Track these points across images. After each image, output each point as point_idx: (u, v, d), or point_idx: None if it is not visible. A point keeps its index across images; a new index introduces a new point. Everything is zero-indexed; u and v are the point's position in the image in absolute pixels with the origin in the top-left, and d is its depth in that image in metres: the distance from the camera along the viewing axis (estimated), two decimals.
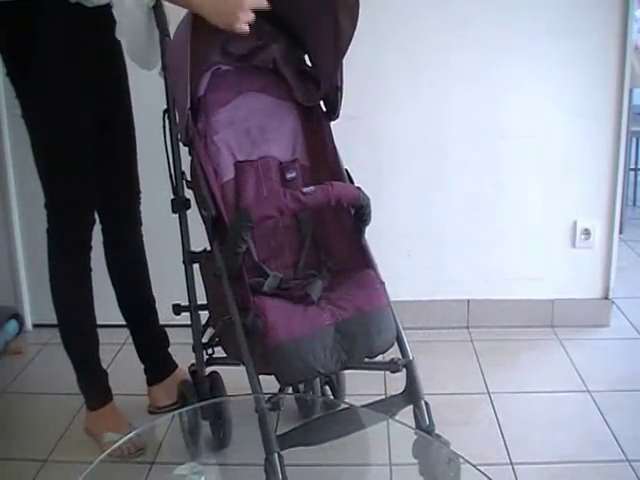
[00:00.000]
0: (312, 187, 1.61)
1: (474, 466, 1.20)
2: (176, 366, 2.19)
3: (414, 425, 1.64)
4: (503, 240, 2.63)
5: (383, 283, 1.72)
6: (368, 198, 1.68)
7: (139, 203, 2.08)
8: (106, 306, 2.06)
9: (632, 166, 3.97)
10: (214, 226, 1.70)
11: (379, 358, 1.71)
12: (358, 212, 1.71)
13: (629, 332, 2.62)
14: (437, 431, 1.66)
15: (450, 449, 1.54)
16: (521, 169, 2.58)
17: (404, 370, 1.70)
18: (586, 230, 2.60)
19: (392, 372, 1.71)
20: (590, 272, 2.65)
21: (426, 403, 1.67)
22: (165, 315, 2.10)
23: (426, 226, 2.62)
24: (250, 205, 1.70)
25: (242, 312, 1.62)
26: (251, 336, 1.60)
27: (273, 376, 1.59)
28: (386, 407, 1.68)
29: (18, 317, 2.70)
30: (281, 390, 1.75)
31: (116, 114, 1.96)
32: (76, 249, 1.93)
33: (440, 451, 1.56)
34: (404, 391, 1.69)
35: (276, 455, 1.52)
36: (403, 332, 1.72)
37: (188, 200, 1.88)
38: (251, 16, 1.56)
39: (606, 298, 2.66)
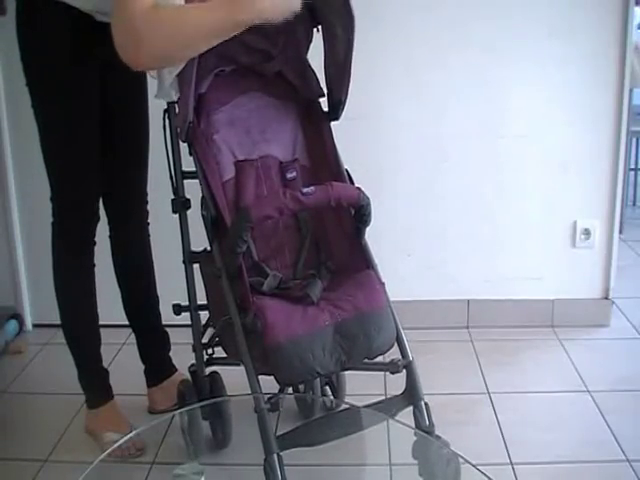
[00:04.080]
0: (312, 187, 1.61)
1: (474, 466, 1.20)
2: (175, 370, 2.19)
3: (414, 426, 1.64)
4: (503, 240, 2.63)
5: (383, 284, 1.72)
6: (368, 198, 1.68)
7: (146, 202, 2.08)
8: (107, 306, 2.06)
9: (632, 166, 3.98)
10: (214, 226, 1.70)
11: (379, 359, 1.70)
12: (358, 212, 1.71)
13: (629, 332, 2.62)
14: (437, 431, 1.66)
15: (450, 450, 1.53)
16: (521, 169, 2.58)
17: (404, 371, 1.70)
18: (586, 230, 2.60)
19: (392, 373, 1.71)
20: (590, 272, 2.65)
21: (426, 404, 1.67)
22: (165, 315, 2.11)
23: (426, 226, 2.62)
24: (250, 205, 1.70)
25: (241, 312, 1.62)
26: (250, 336, 1.60)
27: (272, 376, 1.59)
28: (386, 408, 1.68)
29: (18, 317, 2.71)
30: (281, 390, 1.75)
31: (125, 116, 1.95)
32: (79, 243, 1.94)
33: (440, 452, 1.55)
34: (404, 392, 1.69)
35: (275, 456, 1.51)
36: (403, 333, 1.72)
37: (188, 200, 1.88)
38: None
39: (606, 298, 2.66)
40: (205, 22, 1.44)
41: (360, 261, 1.77)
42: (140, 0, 1.38)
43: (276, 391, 1.70)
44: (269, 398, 1.57)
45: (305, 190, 1.59)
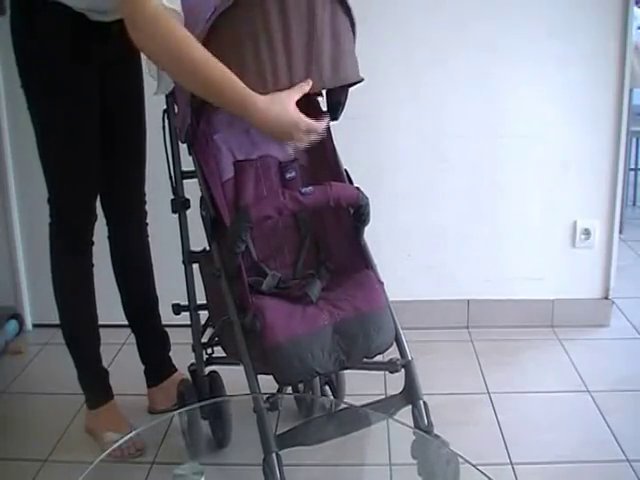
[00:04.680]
0: (311, 187, 1.61)
1: (474, 466, 1.20)
2: (175, 370, 2.19)
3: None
4: (503, 240, 2.63)
5: (382, 283, 1.72)
6: (367, 198, 1.68)
7: (144, 203, 2.08)
8: (107, 306, 2.06)
9: (632, 166, 3.98)
10: (213, 226, 1.71)
11: (379, 358, 1.70)
12: (357, 212, 1.71)
13: (629, 332, 2.62)
14: (437, 431, 1.66)
15: (449, 449, 1.53)
16: (521, 169, 2.58)
17: (403, 370, 1.70)
18: (586, 230, 2.60)
19: (391, 372, 1.71)
20: (590, 272, 2.65)
21: (425, 403, 1.67)
22: (165, 315, 2.11)
23: (426, 226, 2.62)
24: (249, 205, 1.71)
25: (241, 312, 1.62)
26: (249, 336, 1.60)
27: (271, 376, 1.59)
28: (385, 407, 1.68)
29: (18, 317, 2.71)
30: (280, 390, 1.75)
31: (124, 116, 1.95)
32: (77, 244, 1.94)
33: (439, 451, 1.55)
34: (403, 391, 1.69)
35: (274, 455, 1.51)
36: (402, 332, 1.72)
37: (188, 200, 1.88)
38: (306, 140, 1.56)
39: (606, 298, 2.66)
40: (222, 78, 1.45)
41: (359, 261, 1.77)
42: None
43: (275, 391, 1.70)
44: (267, 398, 1.57)
45: (304, 190, 1.60)
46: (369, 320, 1.64)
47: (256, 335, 1.57)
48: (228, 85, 1.45)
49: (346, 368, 1.69)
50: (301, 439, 1.61)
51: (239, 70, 1.46)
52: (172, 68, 1.49)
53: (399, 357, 1.71)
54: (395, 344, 1.71)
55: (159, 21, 1.42)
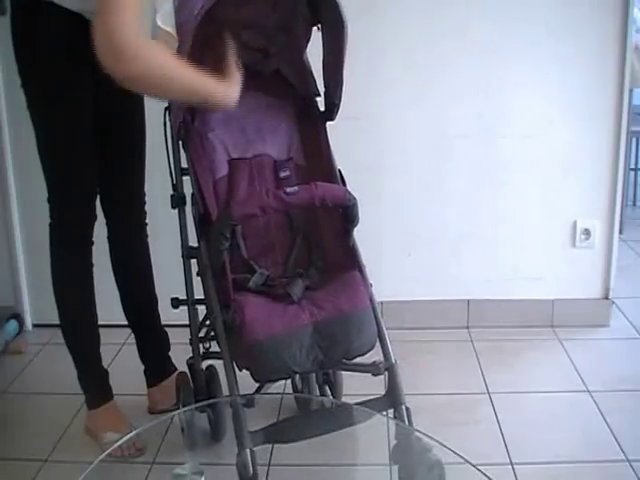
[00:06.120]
0: (296, 187, 1.62)
1: (474, 466, 1.20)
2: (175, 369, 2.19)
3: (394, 430, 1.62)
4: (503, 240, 2.63)
5: (370, 285, 1.72)
6: (355, 199, 1.67)
7: (144, 203, 2.08)
8: (107, 306, 2.06)
9: (632, 166, 3.98)
10: (201, 223, 1.71)
11: (364, 359, 1.68)
12: (345, 213, 1.70)
13: (629, 332, 2.62)
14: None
15: (433, 453, 1.51)
16: (521, 169, 2.58)
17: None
18: (586, 230, 2.60)
19: (374, 375, 1.70)
20: (590, 272, 2.65)
21: (407, 408, 1.65)
22: (165, 315, 2.11)
23: (426, 226, 2.62)
24: (234, 203, 1.71)
25: (223, 308, 1.63)
26: (231, 332, 1.61)
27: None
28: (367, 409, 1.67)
29: (18, 317, 2.71)
30: (260, 387, 1.75)
31: (123, 116, 1.95)
32: (76, 243, 1.94)
33: (421, 456, 1.53)
34: (385, 394, 1.68)
35: (248, 451, 1.51)
36: (386, 334, 1.70)
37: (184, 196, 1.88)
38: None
39: (606, 298, 2.66)
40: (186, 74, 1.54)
41: (348, 261, 1.77)
42: (129, 20, 1.42)
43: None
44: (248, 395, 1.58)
45: (289, 190, 1.60)
46: (350, 321, 1.63)
47: (236, 331, 1.57)
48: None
49: (327, 368, 1.69)
50: (277, 436, 1.61)
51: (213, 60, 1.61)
52: (162, 88, 1.55)
53: (382, 360, 1.70)
54: (380, 346, 1.69)
55: (146, 49, 1.48)
